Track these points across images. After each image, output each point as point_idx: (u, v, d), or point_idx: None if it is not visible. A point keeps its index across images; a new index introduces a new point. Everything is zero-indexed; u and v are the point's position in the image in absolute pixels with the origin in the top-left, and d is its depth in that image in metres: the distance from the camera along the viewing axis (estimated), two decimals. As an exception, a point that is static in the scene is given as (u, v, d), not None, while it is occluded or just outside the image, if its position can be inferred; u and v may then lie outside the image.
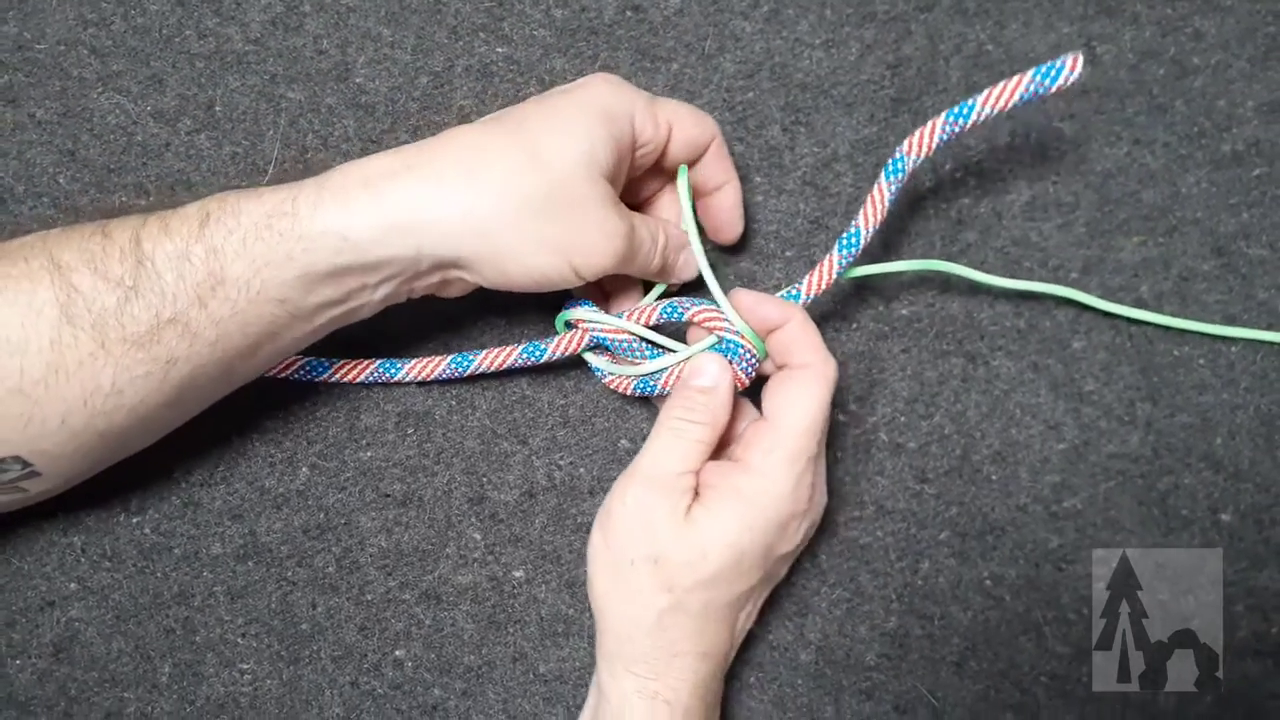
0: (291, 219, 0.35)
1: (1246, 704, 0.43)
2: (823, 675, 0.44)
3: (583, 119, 0.37)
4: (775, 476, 0.37)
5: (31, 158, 0.47)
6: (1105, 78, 0.46)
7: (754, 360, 0.40)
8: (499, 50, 0.47)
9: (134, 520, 0.45)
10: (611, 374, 0.43)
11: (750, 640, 0.44)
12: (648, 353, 0.42)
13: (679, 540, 0.37)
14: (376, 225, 0.35)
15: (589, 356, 0.43)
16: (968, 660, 0.44)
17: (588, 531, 0.45)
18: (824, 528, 0.45)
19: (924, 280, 0.45)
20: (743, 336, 0.40)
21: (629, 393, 0.42)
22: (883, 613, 0.44)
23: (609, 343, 0.42)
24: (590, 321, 0.42)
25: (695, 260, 0.42)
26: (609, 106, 0.38)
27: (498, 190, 0.35)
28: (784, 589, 0.45)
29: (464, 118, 0.47)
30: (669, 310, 0.41)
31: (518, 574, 0.45)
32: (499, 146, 0.36)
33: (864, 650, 0.44)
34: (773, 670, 0.44)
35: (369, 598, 0.45)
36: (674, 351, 0.41)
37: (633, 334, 0.41)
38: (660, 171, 0.43)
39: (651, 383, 0.41)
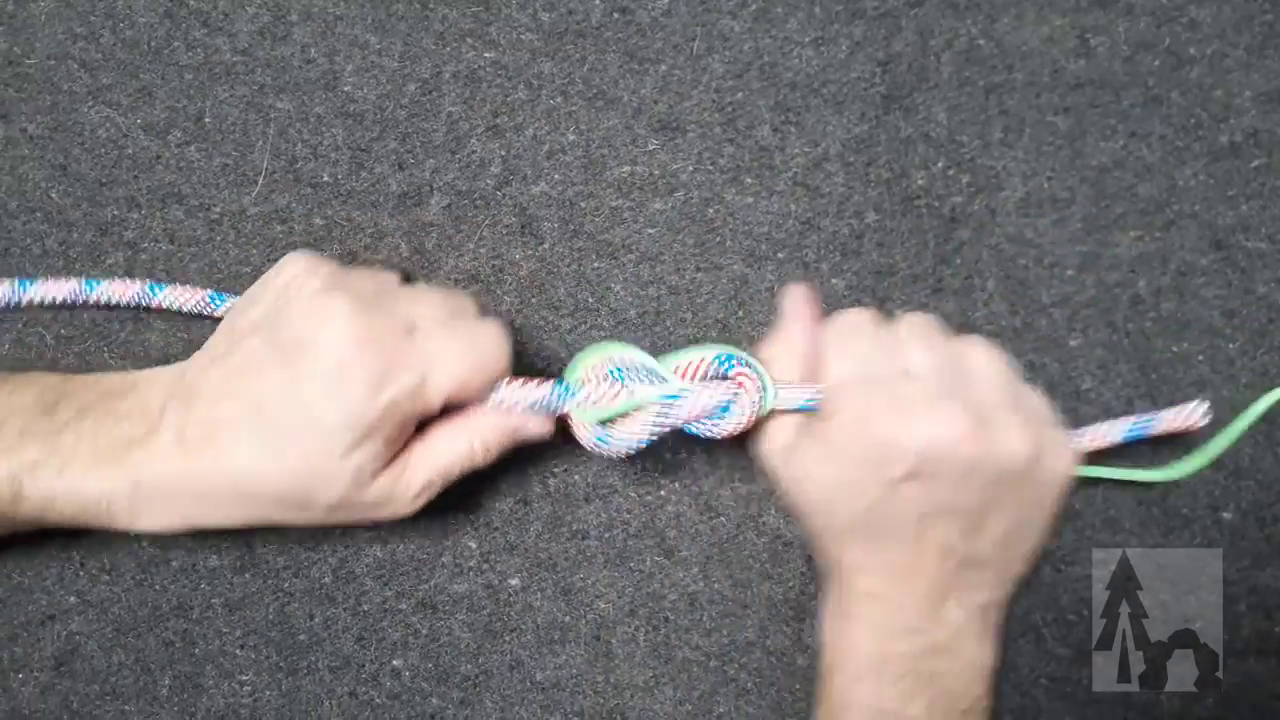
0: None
1: (1247, 704, 0.43)
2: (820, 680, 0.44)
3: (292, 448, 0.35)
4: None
5: (24, 173, 0.47)
6: (1100, 70, 0.45)
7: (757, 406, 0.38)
8: (486, 55, 0.47)
9: (131, 533, 0.45)
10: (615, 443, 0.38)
11: (746, 646, 0.44)
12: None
13: None
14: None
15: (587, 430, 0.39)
16: (966, 663, 0.43)
17: (583, 538, 0.45)
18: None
19: (916, 279, 0.45)
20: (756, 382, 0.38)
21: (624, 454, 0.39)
22: (880, 616, 0.44)
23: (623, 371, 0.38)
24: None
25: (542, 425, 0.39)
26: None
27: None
28: (780, 594, 0.44)
29: (452, 123, 0.46)
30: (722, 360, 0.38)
31: (513, 582, 0.45)
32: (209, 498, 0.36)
33: (861, 654, 0.44)
34: (770, 676, 0.44)
35: (365, 608, 0.45)
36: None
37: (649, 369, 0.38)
38: None
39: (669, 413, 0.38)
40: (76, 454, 0.35)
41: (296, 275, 0.37)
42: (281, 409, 0.34)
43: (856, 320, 0.38)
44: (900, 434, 0.35)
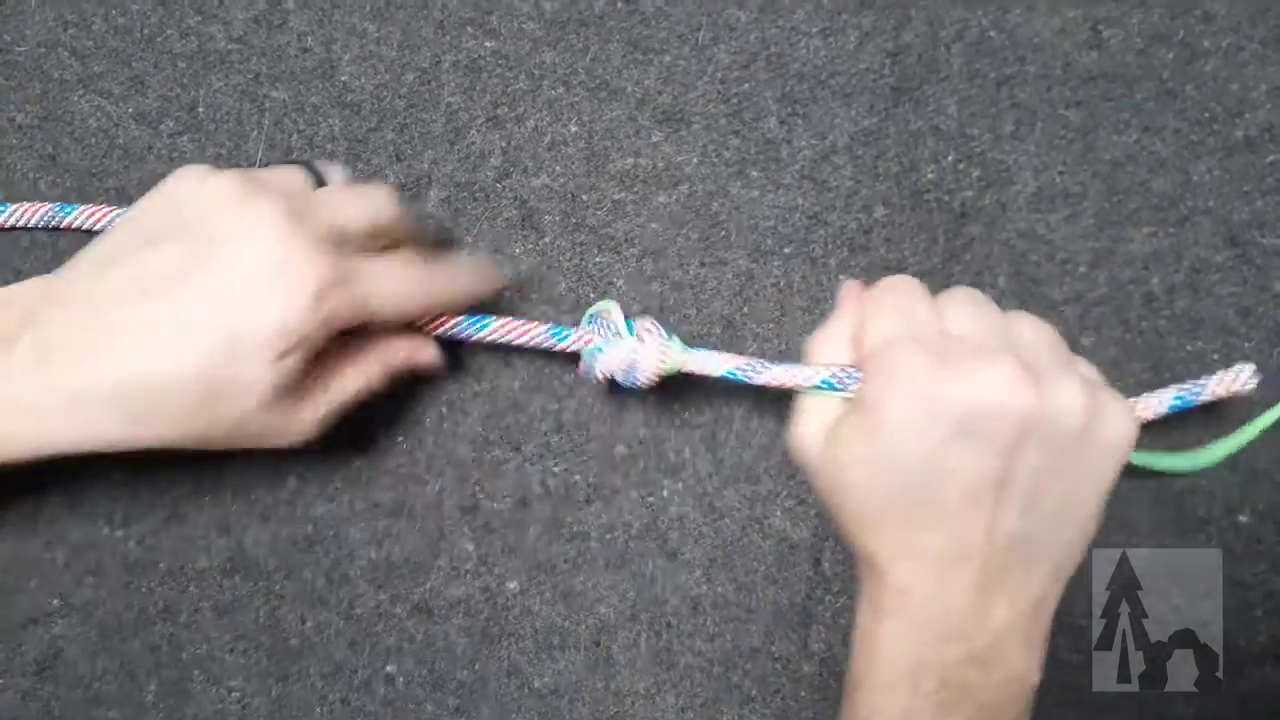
0: None
1: (1247, 704, 0.42)
2: (827, 687, 0.43)
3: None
4: None
5: (11, 163, 0.46)
6: (1113, 63, 0.45)
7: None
8: (487, 44, 0.46)
9: (118, 534, 0.44)
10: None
11: (751, 653, 0.43)
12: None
13: None
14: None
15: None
16: (978, 669, 0.42)
17: (584, 540, 0.44)
18: (828, 536, 0.44)
19: (925, 274, 0.44)
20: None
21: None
22: (889, 621, 0.43)
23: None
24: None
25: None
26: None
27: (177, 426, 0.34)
28: (786, 599, 0.43)
29: (451, 114, 0.45)
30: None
31: (511, 586, 0.44)
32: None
33: (870, 660, 0.43)
34: (775, 683, 0.43)
35: (359, 612, 0.44)
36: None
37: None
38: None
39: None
40: None
41: (204, 185, 0.34)
42: (203, 311, 0.32)
43: (895, 285, 0.35)
44: (945, 388, 0.31)
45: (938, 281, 0.44)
